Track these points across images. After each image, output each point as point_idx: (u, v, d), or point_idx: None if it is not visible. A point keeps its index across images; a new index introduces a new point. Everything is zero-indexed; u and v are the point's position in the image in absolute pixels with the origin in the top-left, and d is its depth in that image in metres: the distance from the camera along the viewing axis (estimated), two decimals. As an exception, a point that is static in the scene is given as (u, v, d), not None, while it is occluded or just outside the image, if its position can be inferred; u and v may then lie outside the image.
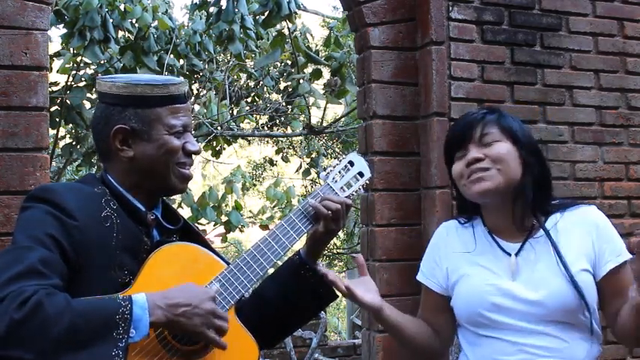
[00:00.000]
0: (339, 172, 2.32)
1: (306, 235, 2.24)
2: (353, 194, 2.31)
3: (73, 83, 6.61)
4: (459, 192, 2.43)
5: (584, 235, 2.30)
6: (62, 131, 7.34)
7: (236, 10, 6.58)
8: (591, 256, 2.28)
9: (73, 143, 7.19)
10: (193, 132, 2.15)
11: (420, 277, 2.50)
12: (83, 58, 6.55)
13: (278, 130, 10.58)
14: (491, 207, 2.35)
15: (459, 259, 2.38)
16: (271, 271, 2.38)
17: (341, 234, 10.72)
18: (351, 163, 2.34)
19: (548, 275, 2.24)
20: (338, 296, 2.36)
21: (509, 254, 2.31)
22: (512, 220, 2.32)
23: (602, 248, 2.28)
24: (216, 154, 8.80)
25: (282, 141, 12.14)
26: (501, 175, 2.27)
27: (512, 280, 2.27)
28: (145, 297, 1.82)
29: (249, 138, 11.46)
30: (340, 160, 2.35)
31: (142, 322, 1.79)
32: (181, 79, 2.12)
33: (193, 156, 2.13)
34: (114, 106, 2.05)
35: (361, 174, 2.34)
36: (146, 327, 1.80)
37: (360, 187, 2.34)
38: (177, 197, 7.06)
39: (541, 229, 2.31)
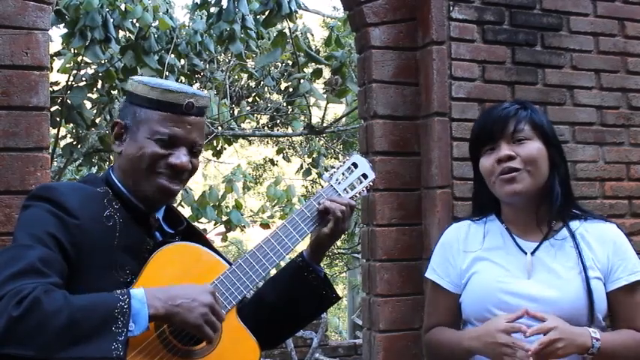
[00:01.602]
0: (343, 173, 2.31)
1: (309, 236, 2.24)
2: (356, 196, 2.31)
3: (73, 83, 6.61)
4: (480, 187, 2.43)
5: (601, 248, 2.31)
6: (63, 131, 7.34)
7: (237, 9, 6.58)
8: (604, 269, 2.29)
9: (74, 143, 7.20)
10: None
11: (433, 277, 2.46)
12: (84, 58, 6.55)
13: (279, 130, 10.58)
14: (516, 205, 2.35)
15: (472, 257, 2.37)
16: (273, 272, 2.37)
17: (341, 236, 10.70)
18: (355, 165, 2.34)
19: (564, 277, 2.25)
20: (340, 298, 2.36)
21: (525, 252, 2.31)
22: (535, 220, 2.33)
23: (616, 264, 2.29)
24: (217, 153, 8.81)
25: (282, 141, 12.14)
26: (532, 178, 2.27)
27: (527, 279, 2.27)
28: (143, 291, 1.82)
29: (249, 138, 11.45)
30: (344, 162, 2.35)
31: (140, 315, 1.78)
32: (192, 90, 2.07)
33: (180, 170, 2.04)
34: (127, 102, 2.09)
35: (365, 176, 2.34)
36: (145, 320, 1.79)
37: (364, 189, 2.34)
38: (178, 196, 7.06)
39: (559, 231, 2.32)
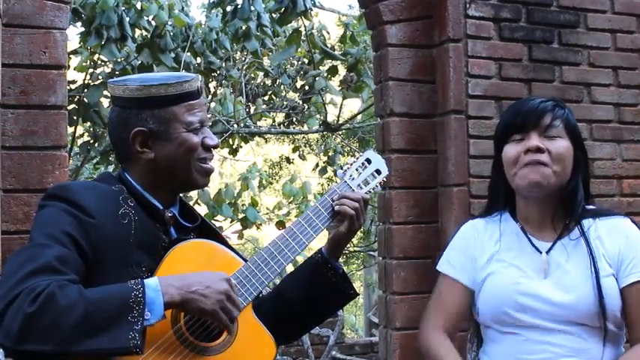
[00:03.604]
0: (357, 169, 2.31)
1: (324, 232, 2.24)
2: (370, 192, 2.30)
3: (90, 81, 6.65)
4: (498, 179, 2.41)
5: (613, 242, 2.28)
6: (80, 129, 7.38)
7: (252, 7, 6.60)
8: (616, 263, 2.27)
9: (91, 141, 7.24)
10: (210, 129, 2.16)
11: (447, 271, 2.43)
12: (100, 57, 6.58)
13: (295, 128, 10.59)
14: (533, 201, 2.33)
15: (488, 256, 2.35)
16: (289, 268, 2.38)
17: (358, 232, 10.71)
18: (369, 161, 2.33)
19: (579, 278, 2.23)
20: (359, 294, 2.36)
21: (540, 252, 2.29)
22: (552, 218, 2.31)
23: (627, 258, 2.26)
24: (233, 152, 8.83)
25: (298, 139, 12.14)
26: (556, 177, 2.25)
27: (543, 279, 2.26)
28: (157, 280, 1.83)
29: (265, 136, 11.46)
30: (357, 158, 2.35)
31: (155, 304, 1.79)
32: (194, 74, 2.12)
33: (213, 150, 2.13)
34: (129, 109, 2.05)
35: (378, 171, 2.33)
36: (161, 309, 1.80)
37: (378, 184, 2.33)
38: (194, 195, 7.09)
39: (573, 230, 2.30)
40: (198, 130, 2.08)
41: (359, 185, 2.28)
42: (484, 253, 2.37)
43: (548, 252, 2.29)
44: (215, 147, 2.13)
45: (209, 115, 7.54)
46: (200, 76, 2.18)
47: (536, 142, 2.25)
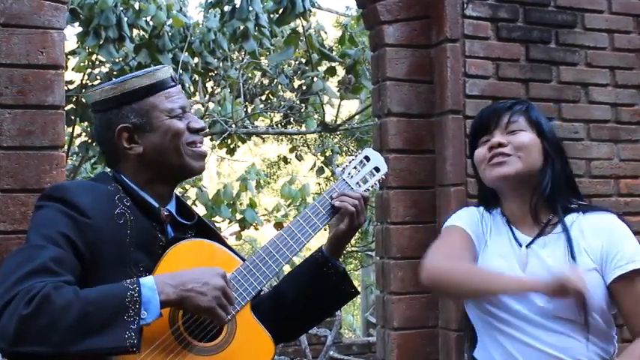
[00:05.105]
0: (355, 167, 2.31)
1: (323, 231, 2.24)
2: (369, 189, 2.30)
3: (88, 82, 6.65)
4: (480, 183, 2.45)
5: (596, 238, 2.27)
6: (78, 129, 7.39)
7: (250, 8, 6.60)
8: (600, 259, 2.25)
9: (89, 141, 7.24)
10: (208, 129, 2.17)
11: (460, 224, 2.40)
12: (98, 57, 6.59)
13: (292, 128, 10.59)
14: (510, 195, 2.36)
15: (482, 241, 2.38)
16: (287, 267, 2.37)
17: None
18: (367, 158, 2.33)
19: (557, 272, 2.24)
20: (359, 293, 2.36)
21: (521, 245, 2.31)
22: (534, 212, 2.33)
23: (611, 254, 2.24)
24: (231, 152, 8.83)
25: (296, 139, 12.14)
26: (521, 162, 2.29)
27: (522, 272, 2.26)
28: (152, 279, 1.83)
29: (263, 136, 11.47)
30: (356, 156, 2.34)
31: (152, 303, 1.79)
32: (165, 65, 2.15)
33: (201, 134, 2.14)
34: (110, 110, 2.07)
35: (377, 169, 2.33)
36: (157, 308, 1.80)
37: (377, 182, 2.33)
38: (192, 195, 7.09)
39: (557, 225, 2.31)
40: (182, 117, 2.09)
41: (357, 183, 2.28)
42: (481, 237, 2.39)
43: (528, 246, 2.30)
44: (202, 130, 2.13)
45: (207, 116, 7.55)
46: (170, 65, 2.20)
47: (497, 138, 2.33)
